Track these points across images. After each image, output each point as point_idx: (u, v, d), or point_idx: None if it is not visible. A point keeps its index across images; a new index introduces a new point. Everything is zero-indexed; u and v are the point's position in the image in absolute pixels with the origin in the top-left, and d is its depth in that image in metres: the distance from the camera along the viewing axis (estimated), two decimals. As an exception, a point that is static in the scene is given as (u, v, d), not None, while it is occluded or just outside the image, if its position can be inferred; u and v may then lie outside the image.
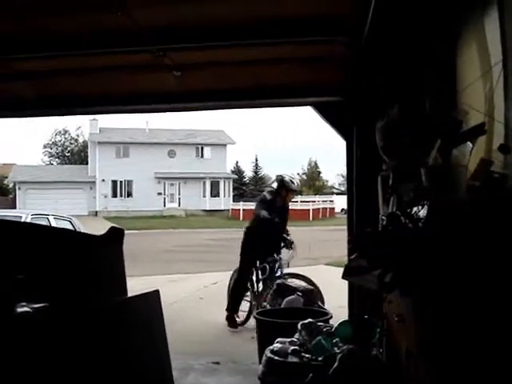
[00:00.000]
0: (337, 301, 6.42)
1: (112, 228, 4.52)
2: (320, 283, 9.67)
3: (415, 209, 2.28)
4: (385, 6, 3.93)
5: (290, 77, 5.86)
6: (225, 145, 51.22)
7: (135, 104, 6.52)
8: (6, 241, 3.58)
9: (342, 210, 51.39)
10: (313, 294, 6.02)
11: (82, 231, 4.34)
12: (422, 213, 2.20)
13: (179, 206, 48.22)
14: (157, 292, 4.72)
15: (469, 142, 3.22)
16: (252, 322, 6.92)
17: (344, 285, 7.78)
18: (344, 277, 2.70)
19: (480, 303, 1.83)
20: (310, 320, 4.08)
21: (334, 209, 50.06)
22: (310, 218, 41.06)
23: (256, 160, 66.67)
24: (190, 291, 12.78)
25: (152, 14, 4.49)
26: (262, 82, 5.97)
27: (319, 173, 69.49)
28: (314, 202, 48.74)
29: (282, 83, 5.96)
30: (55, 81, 6.01)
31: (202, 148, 50.29)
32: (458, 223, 2.08)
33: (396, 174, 3.28)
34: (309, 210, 43.63)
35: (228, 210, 47.87)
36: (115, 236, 4.42)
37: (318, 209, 46.55)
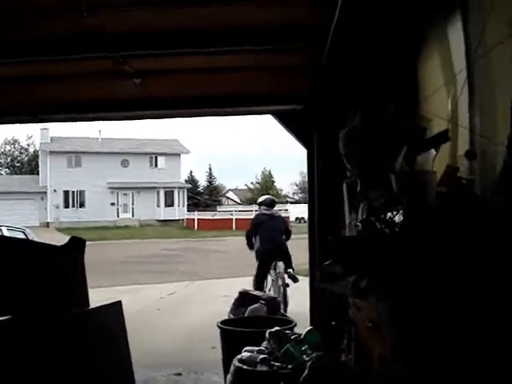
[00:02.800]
0: (295, 307, 6.43)
1: (73, 238, 4.41)
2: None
3: (389, 214, 2.29)
4: (349, 15, 3.96)
5: (252, 85, 5.86)
6: (179, 154, 50.92)
7: (94, 112, 6.42)
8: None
9: (297, 218, 51.78)
10: (275, 303, 6.00)
11: (43, 242, 4.22)
12: (397, 218, 2.21)
13: (133, 216, 47.65)
14: (119, 303, 4.63)
15: (432, 149, 3.28)
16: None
17: (301, 292, 7.82)
18: (319, 284, 2.69)
19: (457, 307, 1.84)
20: (277, 328, 4.06)
21: (288, 218, 50.21)
22: (265, 227, 41.06)
23: (210, 169, 66.60)
24: (147, 302, 12.63)
25: (113, 20, 4.42)
26: (223, 91, 5.95)
27: (273, 182, 69.82)
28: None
29: (243, 91, 5.96)
30: (8, 88, 5.85)
31: (156, 157, 49.88)
32: (433, 228, 2.09)
33: (364, 181, 3.30)
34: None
35: (183, 219, 47.59)
36: (76, 246, 4.32)
37: (273, 218, 46.62)
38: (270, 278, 9.17)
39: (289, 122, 6.20)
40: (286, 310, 7.82)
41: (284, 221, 10.22)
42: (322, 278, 2.59)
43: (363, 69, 4.53)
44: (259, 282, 8.99)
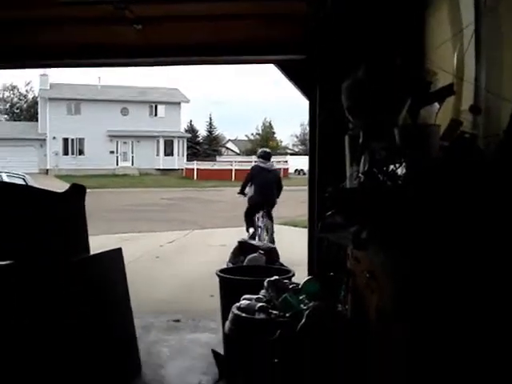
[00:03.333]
0: (295, 258, 6.50)
1: (73, 185, 4.41)
2: (277, 242, 9.76)
3: (392, 167, 2.29)
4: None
5: (252, 33, 5.76)
6: (179, 103, 50.54)
7: (93, 58, 6.30)
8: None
9: (296, 170, 51.83)
10: (274, 253, 6.06)
11: (44, 188, 4.23)
12: (400, 171, 2.22)
13: (132, 164, 47.64)
14: (119, 250, 4.67)
15: (436, 103, 3.25)
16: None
17: (298, 243, 7.91)
18: (319, 233, 2.71)
19: (457, 261, 1.86)
20: (276, 277, 4.12)
21: (287, 169, 50.30)
22: (264, 178, 41.07)
23: (210, 119, 66.24)
24: (146, 250, 12.75)
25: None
26: (224, 38, 5.85)
27: (273, 133, 69.61)
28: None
29: (243, 40, 5.85)
30: (8, 31, 5.76)
31: (156, 106, 49.53)
32: (435, 182, 2.10)
33: (367, 133, 3.28)
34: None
35: (182, 169, 47.60)
36: (77, 193, 4.33)
37: (272, 169, 46.64)
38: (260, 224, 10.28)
39: (291, 72, 6.11)
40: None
41: (278, 176, 10.91)
42: (323, 228, 2.61)
43: (368, 19, 4.46)
44: (249, 221, 10.43)
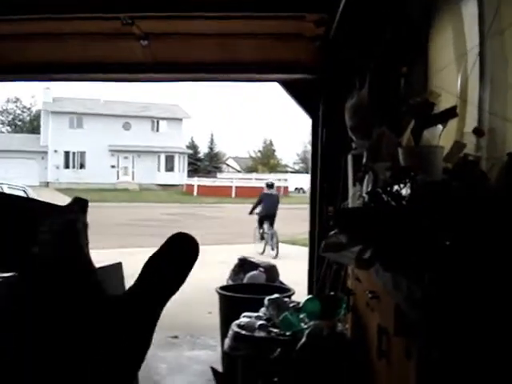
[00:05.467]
0: (294, 277, 6.49)
1: (76, 198, 4.41)
2: (275, 260, 9.78)
3: (396, 187, 2.30)
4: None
5: (260, 52, 5.81)
6: (180, 119, 50.75)
7: (99, 72, 6.35)
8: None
9: (296, 188, 51.89)
10: (274, 271, 6.05)
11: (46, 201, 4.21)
12: (404, 191, 2.23)
13: (133, 179, 47.68)
14: (119, 264, 4.65)
15: (440, 125, 3.27)
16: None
17: (298, 262, 7.92)
18: (322, 252, 2.72)
19: (465, 279, 1.86)
20: (277, 295, 4.11)
21: (287, 187, 50.41)
22: (264, 196, 41.13)
23: (211, 136, 66.50)
24: (146, 265, 12.71)
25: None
26: (230, 56, 5.90)
27: (274, 151, 69.83)
28: (268, 179, 48.92)
29: (249, 58, 5.91)
30: (18, 45, 5.81)
31: (158, 121, 49.71)
32: (439, 204, 2.11)
33: (371, 153, 3.31)
34: (263, 187, 43.70)
35: (182, 185, 47.66)
36: (79, 206, 4.32)
37: (273, 187, 46.74)
38: (264, 235, 15.02)
39: (295, 91, 6.15)
40: (277, 252, 14.20)
41: (278, 197, 15.81)
42: (326, 247, 2.62)
43: (372, 40, 4.50)
44: (261, 232, 15.10)
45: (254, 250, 14.09)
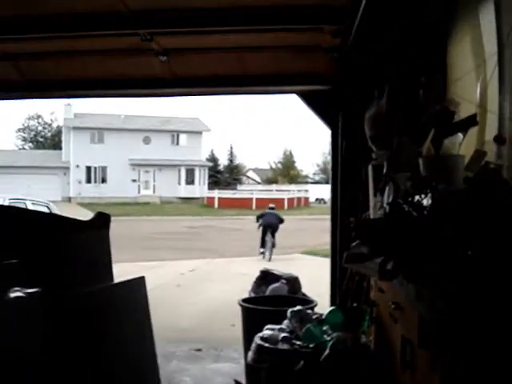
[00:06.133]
0: (315, 289, 6.47)
1: (99, 213, 4.47)
2: (296, 271, 9.74)
3: (417, 197, 2.29)
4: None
5: (278, 64, 5.84)
6: (200, 132, 51.01)
7: (119, 88, 6.43)
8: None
9: (317, 199, 51.80)
10: (297, 282, 6.03)
11: (70, 216, 4.29)
12: (426, 201, 2.22)
13: (154, 193, 47.95)
14: (142, 278, 4.69)
15: (460, 133, 3.25)
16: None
17: (320, 273, 7.90)
18: (345, 263, 2.71)
19: (488, 291, 1.85)
20: (299, 307, 4.10)
21: (308, 198, 50.35)
22: (285, 207, 41.16)
23: (231, 148, 66.72)
24: (168, 278, 12.79)
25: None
26: (249, 69, 5.93)
27: (294, 162, 69.82)
28: (289, 191, 48.96)
29: (268, 70, 5.93)
30: (39, 63, 5.92)
31: (178, 135, 49.99)
32: (461, 213, 2.09)
33: (391, 164, 3.29)
34: (283, 198, 43.80)
35: (203, 197, 47.81)
36: (102, 221, 4.38)
37: (293, 198, 46.76)
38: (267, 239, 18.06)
39: (314, 102, 6.16)
40: (271, 251, 17.71)
41: (277, 215, 18.85)
42: (348, 258, 2.61)
43: (391, 50, 4.49)
44: (262, 239, 18.19)
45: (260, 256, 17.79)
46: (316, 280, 7.72)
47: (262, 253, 17.85)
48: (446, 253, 1.93)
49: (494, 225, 2.06)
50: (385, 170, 3.36)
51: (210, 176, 54.37)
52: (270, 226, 18.12)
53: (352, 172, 5.51)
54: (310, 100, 6.18)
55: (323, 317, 3.92)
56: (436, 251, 1.93)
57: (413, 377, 2.45)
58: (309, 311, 4.19)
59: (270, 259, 17.07)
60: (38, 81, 6.18)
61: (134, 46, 5.37)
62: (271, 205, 20.27)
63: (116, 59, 5.83)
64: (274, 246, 17.92)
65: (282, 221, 18.53)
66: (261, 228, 18.26)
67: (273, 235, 18.03)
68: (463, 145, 3.17)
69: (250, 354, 3.85)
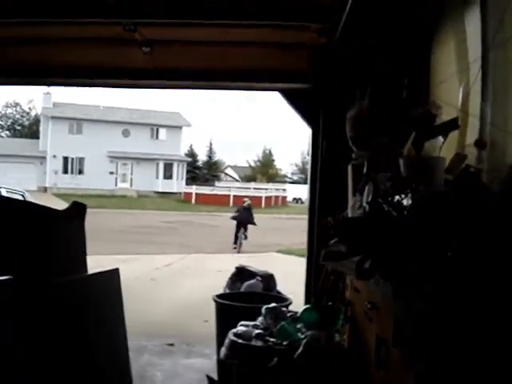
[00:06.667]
0: (288, 287, 6.47)
1: (74, 203, 4.40)
2: (271, 270, 9.73)
3: (397, 197, 2.29)
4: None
5: (260, 61, 5.81)
6: (180, 127, 50.76)
7: (100, 78, 6.34)
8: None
9: (294, 199, 51.92)
10: (272, 280, 6.02)
11: (45, 205, 4.21)
12: (406, 202, 2.22)
13: (131, 186, 47.62)
14: (116, 270, 4.64)
15: (440, 136, 3.27)
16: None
17: (295, 271, 7.90)
18: (323, 261, 2.70)
19: (465, 290, 1.85)
20: (274, 304, 4.08)
21: (286, 197, 50.45)
22: (262, 206, 41.19)
23: (210, 144, 66.52)
24: (142, 272, 12.70)
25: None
26: (231, 64, 5.90)
27: (273, 161, 69.90)
28: (267, 189, 49.02)
29: (251, 67, 5.90)
30: (17, 49, 5.81)
31: (158, 129, 49.70)
32: (440, 215, 2.10)
33: (372, 164, 3.30)
34: (261, 197, 43.83)
35: (180, 192, 47.63)
36: (78, 211, 4.31)
37: (271, 197, 46.84)
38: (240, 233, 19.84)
39: (295, 100, 6.14)
40: (239, 250, 19.26)
41: (251, 210, 20.66)
42: (326, 256, 2.60)
43: (375, 51, 4.50)
44: (236, 234, 19.84)
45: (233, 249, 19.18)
46: (290, 278, 7.71)
47: (235, 248, 19.44)
48: (425, 254, 1.93)
49: (474, 227, 2.07)
50: (365, 170, 3.36)
51: (189, 171, 54.17)
52: (242, 221, 19.96)
53: (331, 171, 5.52)
54: (293, 98, 6.17)
55: (298, 315, 3.91)
56: (415, 252, 1.93)
57: (386, 376, 2.45)
58: (283, 309, 4.18)
59: (239, 251, 18.96)
60: (18, 67, 6.08)
61: (116, 35, 5.32)
62: (246, 199, 21.75)
63: (98, 48, 5.77)
64: (246, 238, 19.96)
65: (252, 216, 20.46)
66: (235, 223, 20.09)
67: (245, 229, 20.00)
68: (444, 148, 3.19)
69: (223, 349, 3.83)
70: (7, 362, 3.12)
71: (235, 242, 19.68)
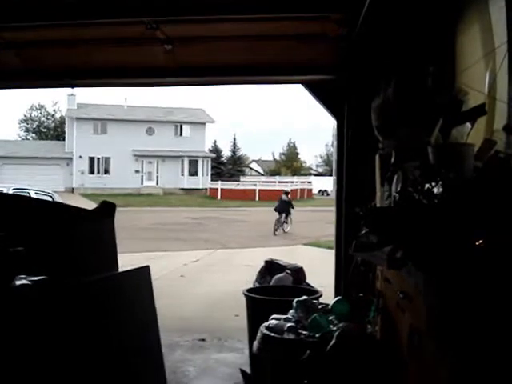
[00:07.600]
0: (318, 280, 6.46)
1: (104, 202, 4.46)
2: (300, 262, 9.74)
3: (427, 186, 2.27)
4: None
5: (283, 54, 5.79)
6: (204, 123, 50.89)
7: (123, 77, 6.39)
8: (4, 213, 3.52)
9: (320, 191, 51.78)
10: (301, 273, 6.01)
11: (75, 206, 4.27)
12: (436, 190, 2.19)
13: (157, 184, 47.94)
14: (147, 268, 4.68)
15: (468, 123, 3.23)
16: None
17: (323, 264, 7.89)
18: (353, 252, 2.70)
19: (497, 281, 1.83)
20: (305, 297, 4.08)
21: (311, 190, 50.32)
22: (288, 199, 41.12)
23: (234, 139, 66.67)
24: (171, 269, 12.78)
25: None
26: (254, 59, 5.89)
27: (297, 154, 69.77)
28: (292, 182, 48.93)
29: (273, 60, 5.89)
30: (42, 52, 5.88)
31: (181, 126, 49.90)
32: (471, 202, 2.07)
33: (399, 153, 3.27)
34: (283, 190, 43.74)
35: (206, 188, 47.80)
36: (107, 210, 4.36)
37: (296, 190, 46.72)
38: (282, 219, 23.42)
39: (319, 91, 6.11)
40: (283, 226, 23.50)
41: (290, 201, 24.16)
42: (357, 247, 2.59)
43: (398, 39, 4.46)
44: (277, 220, 23.05)
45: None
46: (319, 271, 7.70)
47: (276, 230, 22.63)
48: (457, 242, 1.91)
49: (505, 214, 2.04)
50: (393, 160, 3.33)
51: (213, 167, 54.32)
52: (282, 210, 23.29)
53: (357, 162, 5.48)
54: (316, 90, 6.14)
55: (329, 307, 3.91)
56: (448, 240, 1.91)
57: (420, 366, 2.44)
58: (314, 301, 4.18)
59: (284, 230, 23.00)
60: (41, 70, 6.15)
61: (138, 34, 5.34)
62: (284, 193, 24.75)
63: (121, 48, 5.79)
64: (286, 222, 23.39)
65: (292, 206, 23.86)
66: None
67: (286, 216, 23.41)
68: (472, 134, 3.15)
69: (256, 343, 3.84)
70: (42, 362, 3.17)
71: (276, 230, 22.62)
